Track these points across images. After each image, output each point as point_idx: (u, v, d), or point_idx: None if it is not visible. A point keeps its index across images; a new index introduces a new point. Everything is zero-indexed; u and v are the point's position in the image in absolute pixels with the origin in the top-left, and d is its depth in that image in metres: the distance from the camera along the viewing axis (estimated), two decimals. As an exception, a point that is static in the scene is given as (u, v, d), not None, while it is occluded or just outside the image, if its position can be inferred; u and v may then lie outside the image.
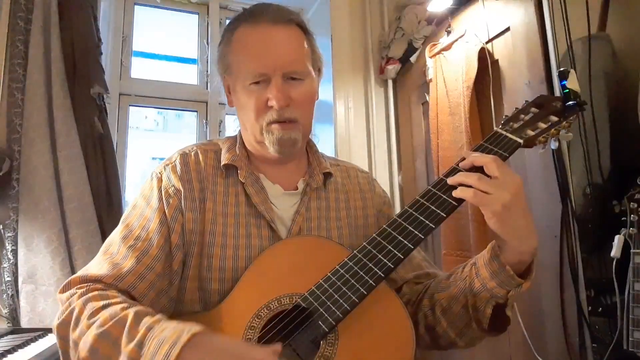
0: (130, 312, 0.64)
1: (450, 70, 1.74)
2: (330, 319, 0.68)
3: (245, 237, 0.82)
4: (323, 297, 0.70)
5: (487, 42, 1.61)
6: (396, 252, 0.71)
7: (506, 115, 0.85)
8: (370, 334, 0.70)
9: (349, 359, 0.68)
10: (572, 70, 0.82)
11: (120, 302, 0.68)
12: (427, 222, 0.71)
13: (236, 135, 0.95)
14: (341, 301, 0.69)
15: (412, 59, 2.06)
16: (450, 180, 0.73)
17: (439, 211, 0.72)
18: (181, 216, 0.81)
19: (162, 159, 0.92)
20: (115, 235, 0.81)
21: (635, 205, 1.10)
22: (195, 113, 2.48)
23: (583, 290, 1.24)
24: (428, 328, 0.83)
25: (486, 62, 1.57)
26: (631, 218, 1.10)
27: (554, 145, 0.84)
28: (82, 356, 0.63)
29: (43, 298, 1.61)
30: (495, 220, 0.69)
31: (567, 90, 0.81)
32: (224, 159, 0.87)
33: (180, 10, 2.59)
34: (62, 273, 1.63)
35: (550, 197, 1.32)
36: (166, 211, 0.80)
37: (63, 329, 0.68)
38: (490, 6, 1.61)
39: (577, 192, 1.30)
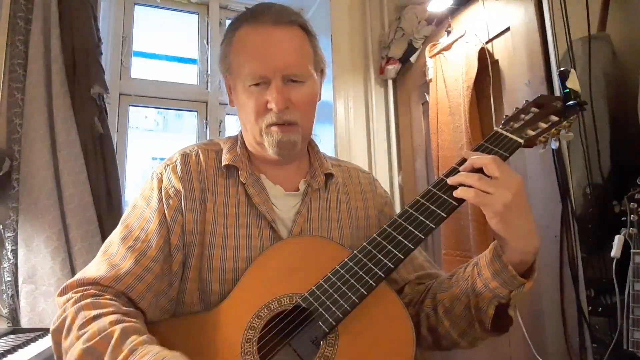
0: (118, 329, 0.64)
1: (450, 70, 1.74)
2: (331, 319, 0.68)
3: (246, 238, 0.82)
4: (323, 298, 0.70)
5: (487, 42, 1.61)
6: (396, 253, 0.70)
7: (506, 115, 0.85)
8: (370, 334, 0.70)
9: (349, 359, 0.68)
10: (572, 70, 0.82)
11: (112, 313, 0.67)
12: (427, 222, 0.71)
13: (237, 135, 0.94)
14: (341, 301, 0.68)
15: (412, 59, 2.06)
16: (450, 180, 0.73)
17: (439, 211, 0.71)
18: (181, 217, 0.80)
19: (162, 159, 0.92)
20: (115, 235, 0.81)
21: (635, 205, 1.10)
22: (195, 113, 2.48)
23: (583, 290, 1.24)
24: (430, 329, 0.82)
25: (486, 62, 1.57)
26: (631, 218, 1.10)
27: (554, 145, 0.84)
28: None
29: (43, 298, 1.61)
30: (496, 220, 0.69)
31: (568, 90, 0.81)
32: (225, 160, 0.87)
33: (180, 10, 2.59)
34: (62, 273, 1.63)
35: (550, 197, 1.32)
36: (166, 212, 0.80)
37: (57, 335, 0.68)
38: (490, 6, 1.61)
39: (577, 192, 1.30)
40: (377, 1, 2.31)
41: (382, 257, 0.71)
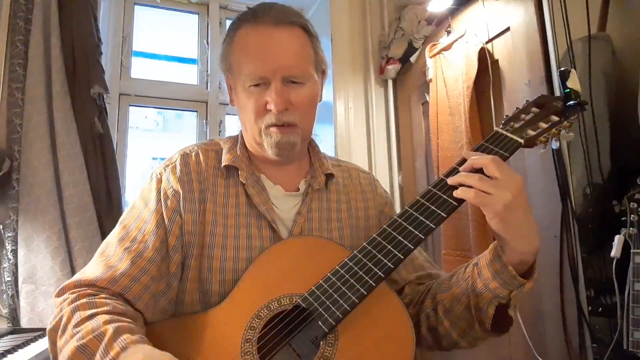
0: (111, 328, 0.64)
1: (450, 70, 1.74)
2: (330, 320, 0.68)
3: (246, 238, 0.82)
4: (323, 298, 0.70)
5: (487, 42, 1.61)
6: (396, 253, 0.70)
7: (507, 115, 0.85)
8: (370, 334, 0.70)
9: (348, 359, 0.68)
10: (573, 70, 0.82)
11: (106, 313, 0.68)
12: (427, 222, 0.71)
13: (237, 135, 0.94)
14: (341, 301, 0.68)
15: (412, 59, 2.06)
16: (450, 181, 0.73)
17: (439, 211, 0.71)
18: (179, 218, 0.80)
19: (162, 159, 0.92)
20: (113, 236, 0.81)
21: (635, 205, 1.10)
22: (195, 113, 2.48)
23: (583, 290, 1.24)
24: (430, 329, 0.82)
25: (486, 62, 1.57)
26: (631, 218, 1.09)
27: (554, 145, 0.84)
28: None
29: (43, 298, 1.61)
30: (497, 221, 0.69)
31: (568, 90, 0.81)
32: (225, 160, 0.87)
33: (180, 10, 2.59)
34: (62, 273, 1.63)
35: (550, 197, 1.32)
36: (164, 213, 0.80)
37: (53, 335, 0.69)
38: (490, 6, 1.61)
39: (577, 192, 1.30)
40: (377, 1, 2.31)
41: (382, 257, 0.71)
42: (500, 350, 1.50)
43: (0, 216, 1.66)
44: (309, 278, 0.73)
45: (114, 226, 0.84)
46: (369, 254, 0.72)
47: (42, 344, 1.28)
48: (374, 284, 0.69)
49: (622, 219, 1.12)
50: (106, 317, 0.67)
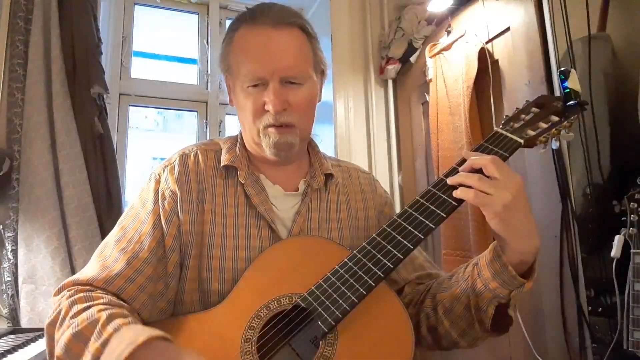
0: (104, 314, 0.65)
1: (450, 70, 1.74)
2: (330, 319, 0.68)
3: (245, 238, 0.82)
4: (322, 297, 0.70)
5: (487, 42, 1.61)
6: (396, 253, 0.70)
7: (507, 115, 0.85)
8: (369, 334, 0.70)
9: (348, 358, 0.68)
10: (573, 70, 0.82)
11: (101, 304, 0.69)
12: (427, 222, 0.71)
13: (237, 135, 0.94)
14: (340, 301, 0.68)
15: (412, 59, 2.06)
16: (450, 181, 0.73)
17: (438, 211, 0.71)
18: (177, 218, 0.81)
19: (162, 159, 0.92)
20: (110, 237, 0.81)
21: (635, 205, 1.10)
22: (195, 113, 2.48)
23: (583, 290, 1.24)
24: (430, 328, 0.82)
25: (486, 62, 1.57)
26: (631, 218, 1.10)
27: (554, 145, 0.84)
28: (57, 354, 0.65)
29: (43, 298, 1.61)
30: (496, 221, 0.69)
31: (568, 90, 0.81)
32: (224, 160, 0.87)
33: (180, 10, 2.59)
34: (62, 273, 1.63)
35: (550, 197, 1.32)
36: (161, 214, 0.80)
37: (51, 329, 0.70)
38: (490, 6, 1.61)
39: (577, 192, 1.30)
40: (377, 1, 2.31)
41: (381, 257, 0.71)
42: (500, 350, 1.50)
43: (0, 216, 1.66)
44: (309, 278, 0.73)
45: (114, 226, 0.84)
46: (369, 253, 0.72)
47: (42, 344, 1.28)
48: (373, 284, 0.69)
49: (622, 219, 1.12)
50: (101, 307, 0.68)
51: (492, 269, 0.72)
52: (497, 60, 1.58)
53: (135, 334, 0.60)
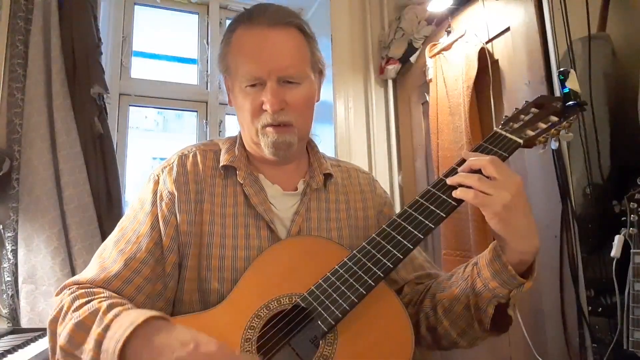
0: (105, 304, 0.68)
1: (450, 70, 1.74)
2: (330, 319, 0.68)
3: (244, 238, 0.82)
4: (322, 297, 0.70)
5: (487, 42, 1.61)
6: (395, 252, 0.70)
7: (506, 116, 0.85)
8: (369, 334, 0.70)
9: (348, 358, 0.68)
10: (572, 70, 0.82)
11: (102, 297, 0.71)
12: (426, 222, 0.71)
13: (236, 136, 0.95)
14: (340, 301, 0.69)
15: (412, 59, 2.06)
16: (449, 181, 0.73)
17: (438, 211, 0.72)
18: (174, 219, 0.81)
19: (162, 159, 0.93)
20: (110, 239, 0.82)
21: (635, 205, 1.10)
22: (195, 113, 2.48)
23: (583, 290, 1.24)
24: (430, 328, 0.83)
25: (486, 62, 1.57)
26: (631, 218, 1.09)
27: (554, 145, 0.84)
28: (60, 344, 0.67)
29: (43, 298, 1.61)
30: (496, 221, 0.69)
31: (568, 90, 0.81)
32: (223, 160, 0.87)
33: (180, 10, 2.59)
34: (62, 273, 1.63)
35: (550, 197, 1.32)
36: (159, 215, 0.81)
37: (53, 325, 0.71)
38: (490, 6, 1.61)
39: (577, 192, 1.30)
40: (377, 1, 2.31)
41: (381, 257, 0.71)
42: (500, 350, 1.50)
43: (0, 216, 1.66)
44: (309, 278, 0.73)
45: (113, 226, 0.85)
46: (369, 253, 0.72)
47: (42, 344, 1.28)
48: (373, 284, 0.69)
49: (622, 219, 1.12)
50: (102, 298, 0.70)
51: (492, 268, 0.72)
52: (497, 60, 1.58)
53: (135, 315, 0.63)
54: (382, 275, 0.69)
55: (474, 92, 1.60)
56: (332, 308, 0.68)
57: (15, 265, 1.64)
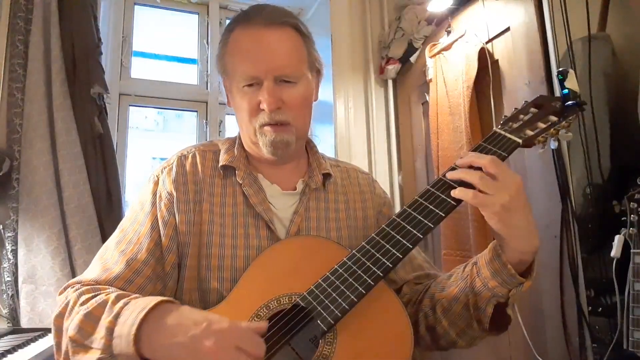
0: (112, 295, 0.70)
1: (450, 70, 1.74)
2: (329, 318, 0.68)
3: (244, 237, 0.82)
4: (322, 297, 0.70)
5: (487, 42, 1.61)
6: (395, 252, 0.70)
7: (505, 116, 0.85)
8: (368, 333, 0.70)
9: (347, 357, 0.68)
10: (571, 70, 0.82)
11: (108, 291, 0.73)
12: (426, 221, 0.71)
13: (236, 136, 0.95)
14: (340, 300, 0.69)
15: (412, 59, 2.05)
16: (450, 175, 0.73)
17: (437, 211, 0.71)
18: (173, 219, 0.81)
19: (162, 159, 0.93)
20: (111, 240, 0.83)
21: (635, 205, 1.10)
22: (195, 113, 2.48)
23: (583, 290, 1.24)
24: (429, 328, 0.83)
25: (486, 62, 1.57)
26: (631, 218, 1.09)
27: (553, 145, 0.84)
28: (69, 335, 0.68)
29: (43, 298, 1.62)
30: (495, 221, 0.69)
31: (567, 90, 0.81)
32: (222, 160, 0.88)
33: (180, 10, 2.59)
34: (62, 273, 1.63)
35: (550, 197, 1.32)
36: (158, 215, 0.82)
37: (59, 321, 0.72)
38: (490, 6, 1.61)
39: (577, 192, 1.30)
40: (377, 1, 2.31)
41: (380, 257, 0.71)
42: (500, 350, 1.50)
43: (0, 216, 1.66)
44: (309, 277, 0.73)
45: (114, 226, 0.86)
46: (368, 253, 0.72)
47: (42, 344, 1.28)
48: (372, 283, 0.69)
49: (622, 219, 1.12)
50: (108, 291, 0.72)
51: (492, 267, 0.72)
52: (497, 60, 1.58)
53: (146, 301, 0.66)
54: (381, 274, 0.69)
55: (474, 92, 1.60)
56: (332, 307, 0.68)
57: (15, 265, 1.64)
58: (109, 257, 0.80)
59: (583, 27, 1.28)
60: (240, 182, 0.86)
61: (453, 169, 0.75)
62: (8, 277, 1.63)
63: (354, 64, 2.25)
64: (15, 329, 1.49)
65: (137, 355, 0.62)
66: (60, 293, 0.77)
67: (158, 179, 0.86)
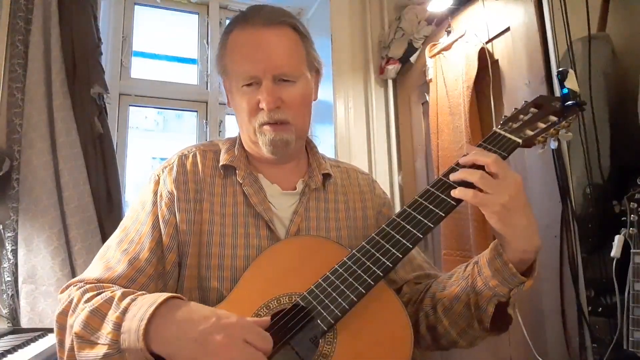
0: (118, 292, 0.70)
1: (450, 70, 1.74)
2: (329, 318, 0.68)
3: (244, 237, 0.83)
4: (322, 296, 0.70)
5: (487, 42, 1.61)
6: (395, 252, 0.70)
7: (505, 116, 0.85)
8: (368, 333, 0.70)
9: (347, 357, 0.68)
10: (570, 70, 0.82)
11: (113, 289, 0.73)
12: (425, 221, 0.71)
13: (236, 136, 0.95)
14: (340, 300, 0.69)
15: (412, 59, 2.06)
16: (452, 177, 0.73)
17: (437, 210, 0.71)
18: (174, 218, 0.82)
19: (162, 159, 0.93)
20: (113, 239, 0.83)
21: (635, 205, 1.10)
22: (195, 113, 2.48)
23: (583, 290, 1.24)
24: (429, 327, 0.83)
25: (486, 62, 1.57)
26: (631, 218, 1.09)
27: (553, 145, 0.84)
28: (75, 331, 0.68)
29: (43, 298, 1.62)
30: (495, 220, 0.69)
31: (566, 90, 0.81)
32: (222, 160, 0.88)
33: (180, 10, 2.59)
34: (62, 273, 1.63)
35: (550, 197, 1.32)
36: (159, 214, 0.82)
37: (62, 318, 0.72)
38: (490, 6, 1.61)
39: (577, 192, 1.30)
40: (377, 1, 2.31)
41: (380, 257, 0.71)
42: (500, 350, 1.50)
43: (0, 216, 1.66)
44: (309, 277, 0.73)
45: (114, 226, 0.87)
46: (368, 253, 0.72)
47: (42, 344, 1.28)
48: (372, 283, 0.69)
49: (622, 219, 1.12)
50: (113, 289, 0.73)
51: (493, 267, 0.72)
52: (497, 60, 1.58)
53: (154, 297, 0.66)
54: (381, 274, 0.69)
55: (474, 92, 1.60)
56: (332, 307, 0.69)
57: (15, 265, 1.64)
58: (111, 257, 0.80)
59: (583, 27, 1.28)
60: (241, 181, 0.86)
61: (454, 167, 0.76)
62: (8, 277, 1.63)
63: (354, 64, 2.25)
64: (15, 329, 1.49)
65: (146, 349, 0.62)
66: (62, 292, 0.77)
67: (159, 179, 0.86)
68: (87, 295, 0.71)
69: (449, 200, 0.72)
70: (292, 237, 0.84)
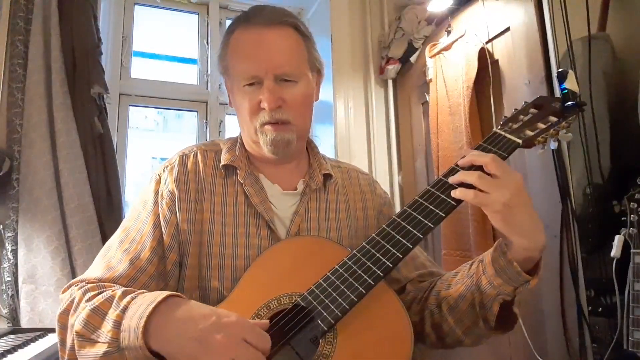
0: (119, 291, 0.71)
1: (450, 70, 1.74)
2: (329, 318, 0.68)
3: (244, 237, 0.83)
4: (322, 296, 0.70)
5: (487, 42, 1.61)
6: (395, 252, 0.71)
7: (505, 116, 0.85)
8: (368, 332, 0.70)
9: (347, 357, 0.68)
10: (570, 71, 0.82)
11: (114, 288, 0.74)
12: (426, 221, 0.71)
13: (237, 136, 0.95)
14: (340, 300, 0.69)
15: (412, 59, 2.06)
16: (451, 179, 0.73)
17: (437, 211, 0.72)
18: (174, 217, 0.82)
19: (162, 159, 0.94)
20: (114, 239, 0.83)
21: (635, 205, 1.10)
22: (195, 113, 2.48)
23: (583, 290, 1.24)
24: (434, 326, 0.83)
25: (486, 62, 1.57)
26: (631, 218, 1.09)
27: (553, 145, 0.84)
28: (76, 329, 0.68)
29: (43, 298, 1.61)
30: (498, 219, 0.69)
31: (566, 90, 0.81)
32: (224, 160, 0.88)
33: (180, 10, 2.59)
34: (62, 273, 1.63)
35: (550, 197, 1.32)
36: (160, 213, 0.82)
37: (64, 317, 0.72)
38: (490, 6, 1.61)
39: (577, 192, 1.30)
40: (377, 1, 2.31)
41: (380, 257, 0.71)
42: (500, 350, 1.50)
43: (0, 216, 1.66)
44: (309, 277, 0.73)
45: (113, 226, 0.87)
46: (368, 253, 0.72)
47: (42, 344, 1.28)
48: (372, 283, 0.69)
49: (622, 219, 1.12)
50: (114, 288, 0.73)
51: (497, 265, 0.72)
52: (497, 60, 1.58)
53: (153, 295, 0.67)
54: (381, 274, 0.70)
55: (474, 92, 1.60)
56: (332, 307, 0.69)
57: (15, 265, 1.64)
58: (112, 256, 0.80)
59: (583, 27, 1.28)
60: (242, 181, 0.86)
61: (453, 169, 0.76)
62: (8, 277, 1.63)
63: (354, 64, 2.25)
64: (15, 329, 1.49)
65: (145, 347, 0.62)
66: (64, 291, 0.77)
67: (160, 178, 0.86)
68: (89, 294, 0.72)
69: (449, 200, 0.72)
70: (293, 237, 0.84)
